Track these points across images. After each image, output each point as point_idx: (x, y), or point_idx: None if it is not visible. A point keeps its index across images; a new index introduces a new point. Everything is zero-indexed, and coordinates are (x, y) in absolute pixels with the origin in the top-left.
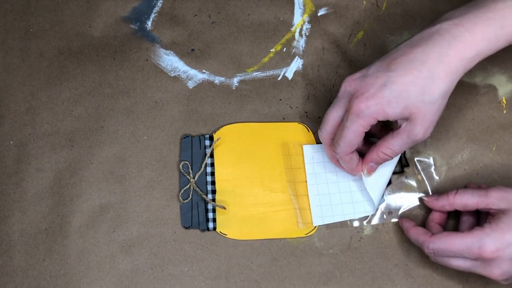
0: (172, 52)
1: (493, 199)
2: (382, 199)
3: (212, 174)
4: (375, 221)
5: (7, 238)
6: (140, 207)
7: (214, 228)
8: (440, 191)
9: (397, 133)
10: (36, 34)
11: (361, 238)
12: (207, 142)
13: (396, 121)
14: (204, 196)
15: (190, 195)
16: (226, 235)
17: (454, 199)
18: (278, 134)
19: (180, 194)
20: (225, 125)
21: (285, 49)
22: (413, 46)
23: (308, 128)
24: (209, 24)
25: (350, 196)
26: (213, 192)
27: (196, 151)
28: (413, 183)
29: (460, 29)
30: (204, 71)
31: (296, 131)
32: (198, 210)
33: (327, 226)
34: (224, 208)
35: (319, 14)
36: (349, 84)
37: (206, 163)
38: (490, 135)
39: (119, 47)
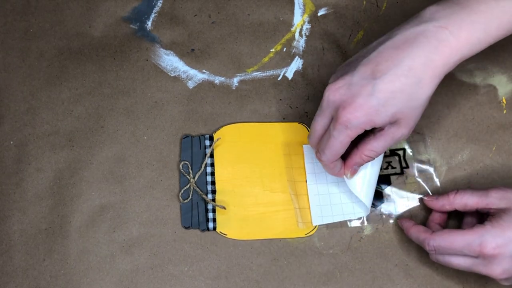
0: (172, 52)
1: (493, 199)
2: (382, 200)
3: (212, 174)
4: (375, 221)
5: (7, 238)
6: (140, 207)
7: (214, 228)
8: (440, 191)
9: (380, 135)
10: (36, 34)
11: (361, 238)
12: (207, 142)
13: None
14: (204, 196)
15: (190, 195)
16: (226, 235)
17: (454, 199)
18: (278, 134)
19: (180, 194)
20: (225, 125)
21: (285, 49)
22: (398, 49)
23: (308, 128)
24: (209, 24)
25: (350, 196)
26: (213, 192)
27: (196, 151)
28: (413, 183)
29: (446, 32)
30: (204, 71)
31: (296, 131)
32: (198, 210)
33: (327, 226)
34: (224, 208)
35: (319, 14)
36: (333, 94)
37: (206, 163)
38: (490, 135)
39: (119, 47)
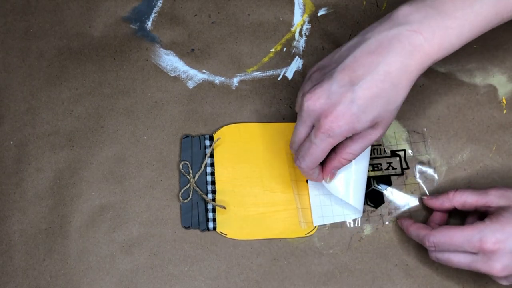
0: (172, 52)
1: (492, 197)
2: (382, 200)
3: (212, 174)
4: (375, 221)
5: (7, 238)
6: (140, 207)
7: (214, 228)
8: (440, 191)
9: (358, 138)
10: (36, 34)
11: (361, 238)
12: (207, 142)
13: None
14: (204, 196)
15: (190, 195)
16: (226, 235)
17: (453, 197)
18: (278, 134)
19: (180, 194)
20: (225, 125)
21: (285, 49)
22: (373, 54)
23: None
24: (209, 24)
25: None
26: (213, 192)
27: (196, 151)
28: (413, 184)
29: (420, 38)
30: (204, 71)
31: None
32: (198, 210)
33: (327, 226)
34: (224, 208)
35: (319, 14)
36: (313, 103)
37: (206, 163)
38: (490, 135)
39: (119, 47)
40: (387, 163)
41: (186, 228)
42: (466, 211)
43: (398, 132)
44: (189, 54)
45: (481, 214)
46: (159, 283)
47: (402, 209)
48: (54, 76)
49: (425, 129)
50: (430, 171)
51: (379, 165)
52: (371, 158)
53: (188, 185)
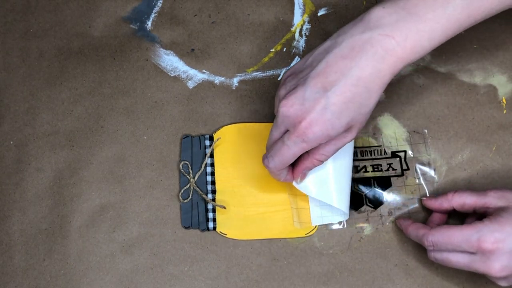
0: (172, 52)
1: (491, 198)
2: (382, 201)
3: (212, 174)
4: (375, 221)
5: (7, 238)
6: (140, 207)
7: (214, 228)
8: (440, 191)
9: (332, 139)
10: (36, 34)
11: (361, 238)
12: (207, 142)
13: None
14: (204, 196)
15: (190, 195)
16: (226, 235)
17: (452, 197)
18: None
19: (180, 194)
20: (225, 125)
21: (285, 49)
22: (346, 58)
23: None
24: (209, 24)
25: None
26: (213, 192)
27: (196, 151)
28: (413, 185)
29: (392, 42)
30: (204, 71)
31: None
32: (198, 210)
33: (327, 226)
34: (224, 208)
35: (319, 14)
36: (287, 110)
37: (206, 163)
38: (490, 135)
39: (119, 47)
40: (387, 164)
41: (186, 228)
42: (465, 212)
43: (398, 132)
44: (189, 54)
45: (480, 216)
46: (159, 283)
47: (402, 210)
48: (54, 76)
49: (426, 130)
50: (430, 171)
51: (379, 166)
52: (371, 159)
53: (188, 185)
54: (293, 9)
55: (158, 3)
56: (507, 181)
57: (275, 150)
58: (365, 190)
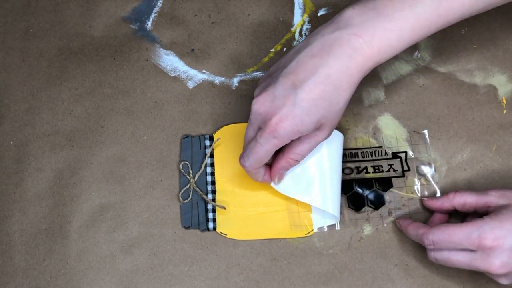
0: (172, 52)
1: (492, 197)
2: (383, 201)
3: (212, 174)
4: (374, 221)
5: (7, 238)
6: (140, 207)
7: (214, 228)
8: (440, 191)
9: (305, 138)
10: (36, 34)
11: (361, 238)
12: (207, 142)
13: None
14: (204, 196)
15: (190, 195)
16: (226, 235)
17: (453, 197)
18: None
19: (180, 194)
20: (225, 125)
21: (285, 49)
22: (315, 57)
23: None
24: (209, 24)
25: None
26: (213, 192)
27: (196, 151)
28: (414, 185)
29: (359, 41)
30: (204, 71)
31: None
32: (198, 210)
33: (327, 226)
34: (224, 208)
35: (319, 14)
36: (259, 107)
37: (206, 163)
38: (490, 135)
39: (119, 47)
40: (388, 165)
41: (186, 228)
42: (466, 212)
43: (398, 132)
44: (189, 54)
45: (481, 215)
46: (159, 283)
47: (402, 210)
48: (54, 76)
49: (426, 131)
50: (430, 172)
51: (380, 167)
52: (372, 160)
53: (188, 185)
54: (293, 9)
55: (158, 3)
56: (507, 181)
57: (250, 149)
58: (366, 191)
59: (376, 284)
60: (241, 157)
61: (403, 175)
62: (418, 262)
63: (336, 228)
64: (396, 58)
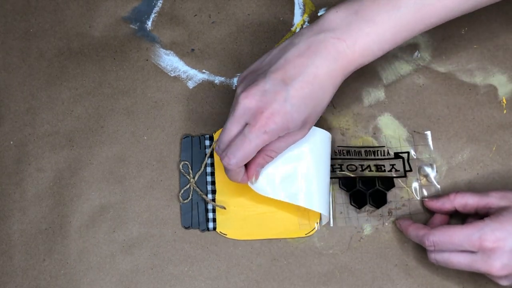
0: (172, 52)
1: (493, 198)
2: (384, 201)
3: (212, 174)
4: (375, 221)
5: (7, 238)
6: (140, 207)
7: (214, 228)
8: (440, 191)
9: (284, 135)
10: (36, 34)
11: (361, 238)
12: (207, 142)
13: None
14: (204, 196)
15: (190, 195)
16: (226, 235)
17: (454, 198)
18: None
19: (180, 194)
20: None
21: None
22: (303, 56)
23: None
24: (209, 24)
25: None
26: (213, 192)
27: (196, 151)
28: (415, 186)
29: (343, 45)
30: (204, 71)
31: None
32: (198, 210)
33: (327, 226)
34: (224, 208)
35: (319, 14)
36: (249, 101)
37: (206, 163)
38: (490, 135)
39: (119, 47)
40: (390, 164)
41: (186, 228)
42: (467, 213)
43: (398, 132)
44: (189, 54)
45: (482, 217)
46: (159, 283)
47: (403, 211)
48: (54, 76)
49: (429, 132)
50: (433, 173)
51: (382, 167)
52: (374, 159)
53: (188, 185)
54: (293, 9)
55: (158, 3)
56: (507, 181)
57: (236, 146)
58: (368, 189)
59: (376, 284)
60: (225, 155)
61: (405, 176)
62: (418, 262)
63: (330, 225)
64: (396, 58)
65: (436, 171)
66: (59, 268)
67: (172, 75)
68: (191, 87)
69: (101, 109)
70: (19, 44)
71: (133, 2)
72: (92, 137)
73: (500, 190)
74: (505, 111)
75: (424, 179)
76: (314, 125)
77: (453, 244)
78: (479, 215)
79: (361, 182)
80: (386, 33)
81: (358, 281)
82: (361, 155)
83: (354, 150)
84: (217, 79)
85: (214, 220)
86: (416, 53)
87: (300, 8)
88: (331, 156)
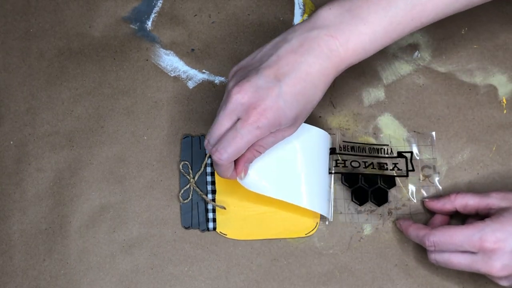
0: (172, 52)
1: (494, 199)
2: (386, 201)
3: (212, 174)
4: (374, 221)
5: (7, 238)
6: (140, 207)
7: (214, 228)
8: (440, 191)
9: (274, 131)
10: (36, 34)
11: (361, 238)
12: None
13: None
14: (204, 196)
15: (190, 195)
16: (226, 235)
17: (455, 199)
18: None
19: (180, 194)
20: None
21: None
22: (295, 53)
23: None
24: (209, 24)
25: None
26: (213, 192)
27: (196, 151)
28: (416, 186)
29: (335, 43)
30: (204, 71)
31: None
32: (198, 210)
33: (327, 226)
34: (224, 208)
35: None
36: (242, 97)
37: (206, 163)
38: (490, 135)
39: (119, 47)
40: (393, 163)
41: (186, 228)
42: (467, 214)
43: (398, 132)
44: (189, 54)
45: (482, 217)
46: (159, 283)
47: (403, 211)
48: (54, 76)
49: (434, 132)
50: (433, 173)
51: (385, 165)
52: (378, 157)
53: (188, 185)
54: (293, 9)
55: (158, 3)
56: (507, 181)
57: (227, 141)
58: (371, 186)
59: (376, 284)
60: (216, 151)
61: (407, 175)
62: (418, 262)
63: (330, 220)
64: (396, 58)
65: (438, 172)
66: (59, 268)
67: (172, 75)
68: (191, 87)
69: (101, 109)
70: (19, 44)
71: (133, 2)
72: (92, 137)
73: (501, 191)
74: (505, 111)
75: (426, 179)
76: (314, 125)
77: (454, 244)
78: (480, 215)
79: (364, 179)
80: (378, 32)
81: (358, 281)
82: (365, 151)
83: (358, 147)
84: (217, 79)
85: (214, 220)
86: (416, 53)
87: (300, 8)
88: (335, 151)
